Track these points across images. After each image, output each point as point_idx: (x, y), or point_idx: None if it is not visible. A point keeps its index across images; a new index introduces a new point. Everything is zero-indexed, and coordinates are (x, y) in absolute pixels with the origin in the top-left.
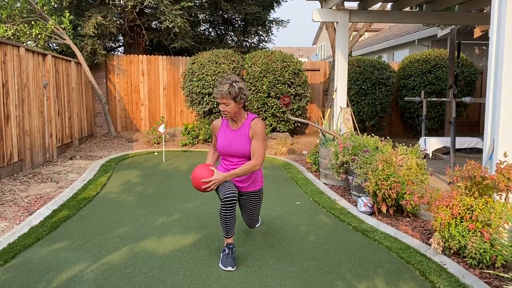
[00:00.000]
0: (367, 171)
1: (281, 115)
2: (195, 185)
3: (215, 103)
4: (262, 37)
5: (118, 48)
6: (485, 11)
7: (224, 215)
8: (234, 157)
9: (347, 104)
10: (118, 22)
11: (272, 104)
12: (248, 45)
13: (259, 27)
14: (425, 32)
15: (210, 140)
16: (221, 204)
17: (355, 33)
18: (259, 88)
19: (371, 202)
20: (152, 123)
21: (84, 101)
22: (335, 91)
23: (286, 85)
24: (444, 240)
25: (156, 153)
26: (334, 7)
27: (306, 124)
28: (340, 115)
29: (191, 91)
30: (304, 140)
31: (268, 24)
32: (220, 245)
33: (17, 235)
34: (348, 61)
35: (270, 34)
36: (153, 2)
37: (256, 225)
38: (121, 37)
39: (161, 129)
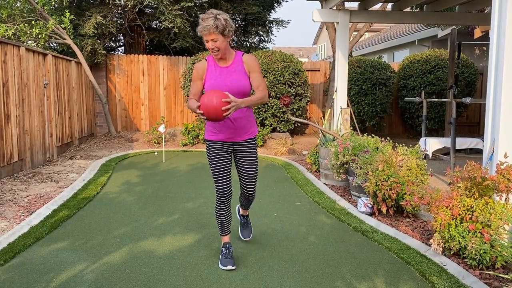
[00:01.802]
0: (367, 172)
1: (281, 115)
2: (214, 113)
3: None
4: (262, 37)
5: (119, 48)
6: (485, 11)
7: (219, 210)
8: (232, 95)
9: (347, 104)
10: (118, 22)
11: (273, 104)
12: (248, 45)
13: (259, 27)
14: (426, 32)
15: None
16: (216, 198)
17: (356, 33)
18: None
19: (371, 203)
20: (152, 123)
21: (84, 101)
22: (335, 91)
23: (287, 85)
24: (444, 240)
25: (156, 153)
26: (334, 7)
27: (306, 124)
28: (340, 116)
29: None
30: (304, 140)
31: (269, 24)
32: (220, 245)
33: (17, 234)
34: (348, 61)
35: (270, 34)
36: (153, 2)
37: (254, 196)
38: (121, 37)
39: (161, 129)
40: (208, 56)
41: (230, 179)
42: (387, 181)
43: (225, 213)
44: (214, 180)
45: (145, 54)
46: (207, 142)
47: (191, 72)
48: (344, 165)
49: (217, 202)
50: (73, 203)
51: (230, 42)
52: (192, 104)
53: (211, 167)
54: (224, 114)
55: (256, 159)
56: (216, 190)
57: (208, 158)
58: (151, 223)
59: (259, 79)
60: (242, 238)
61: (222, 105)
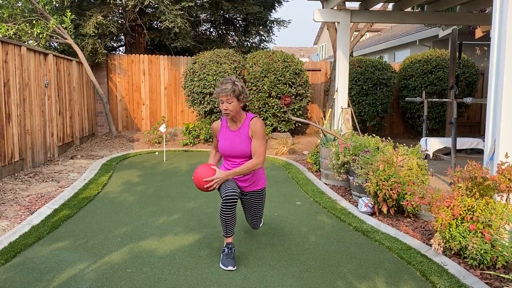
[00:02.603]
0: (368, 172)
1: (282, 115)
2: (197, 185)
3: (216, 103)
4: (263, 37)
5: (120, 48)
6: (486, 11)
7: (224, 214)
8: (236, 158)
9: (348, 104)
10: (119, 21)
11: (273, 104)
12: (249, 45)
13: (260, 27)
14: (427, 32)
15: (211, 140)
16: (222, 203)
17: (356, 33)
18: (260, 88)
19: (372, 203)
20: (153, 123)
21: (85, 101)
22: (336, 91)
23: (287, 85)
24: (445, 240)
25: (157, 153)
26: (335, 7)
27: (307, 124)
28: (341, 115)
29: (192, 91)
30: (305, 140)
31: (269, 24)
32: (221, 245)
33: (18, 234)
34: (349, 61)
35: (271, 34)
36: (153, 2)
37: (259, 226)
38: (122, 37)
39: (162, 128)
40: (223, 117)
41: (237, 187)
42: (387, 181)
43: (230, 216)
44: (220, 188)
45: (146, 53)
46: None
47: (192, 72)
48: (345, 165)
49: (222, 206)
50: (74, 202)
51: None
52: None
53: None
54: (205, 186)
55: (262, 204)
56: (223, 195)
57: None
58: (152, 222)
59: (258, 146)
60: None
61: (204, 182)
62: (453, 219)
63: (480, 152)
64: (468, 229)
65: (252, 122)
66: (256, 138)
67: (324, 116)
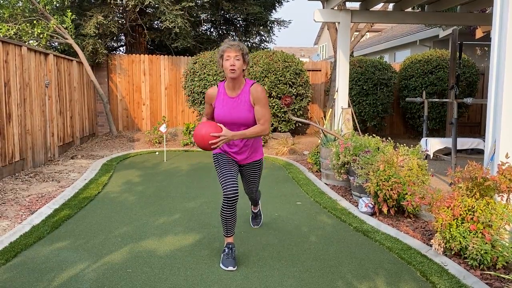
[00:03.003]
0: (368, 172)
1: (283, 115)
2: (201, 143)
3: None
4: (263, 37)
5: (120, 48)
6: (487, 11)
7: (225, 212)
8: (235, 126)
9: (349, 104)
10: (119, 21)
11: (274, 104)
12: (249, 45)
13: (260, 27)
14: (427, 32)
15: None
16: (223, 201)
17: (357, 33)
18: None
19: (372, 203)
20: (154, 123)
21: (85, 101)
22: (337, 91)
23: (288, 85)
24: (445, 241)
25: (157, 153)
26: (335, 8)
27: (307, 124)
28: (341, 116)
29: (192, 91)
30: (305, 140)
31: (270, 24)
32: (221, 245)
33: (18, 234)
34: (349, 61)
35: (271, 34)
36: (153, 2)
37: (258, 197)
38: (122, 37)
39: (163, 128)
40: (220, 83)
41: (237, 183)
42: (388, 181)
43: (231, 215)
44: (221, 184)
45: (147, 54)
46: (213, 155)
47: (192, 72)
48: (345, 165)
49: (223, 204)
50: (74, 202)
51: (245, 67)
52: None
53: (218, 171)
54: (212, 147)
55: (259, 175)
56: (223, 193)
57: (215, 163)
58: (152, 222)
59: (262, 112)
60: (251, 225)
61: (209, 138)
62: (454, 220)
63: (480, 152)
64: (469, 229)
65: (253, 88)
66: (259, 105)
67: (325, 116)
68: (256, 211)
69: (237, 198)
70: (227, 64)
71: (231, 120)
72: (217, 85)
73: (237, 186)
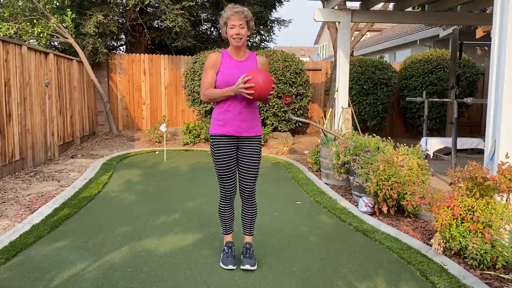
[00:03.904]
0: (368, 171)
1: (283, 114)
2: (266, 90)
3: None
4: (264, 37)
5: (120, 47)
6: (487, 11)
7: (222, 207)
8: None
9: (349, 104)
10: (119, 21)
11: (274, 104)
12: (250, 45)
13: (261, 27)
14: (427, 32)
15: None
16: (220, 194)
17: (357, 33)
18: None
19: (372, 202)
20: (154, 122)
21: (85, 100)
22: (337, 91)
23: (288, 84)
24: (445, 240)
25: (157, 152)
26: (336, 7)
27: (307, 123)
28: (341, 115)
29: (192, 90)
30: (305, 140)
31: (270, 24)
32: (221, 244)
33: (18, 233)
34: (350, 61)
35: (272, 33)
36: (154, 1)
37: (254, 191)
38: (123, 36)
39: (163, 128)
40: (222, 50)
41: (235, 176)
42: (388, 181)
43: (229, 211)
44: (218, 177)
45: (147, 53)
46: (212, 138)
47: (192, 71)
48: (345, 165)
49: (220, 199)
50: (74, 202)
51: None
52: (214, 92)
53: (215, 163)
54: (270, 92)
55: (259, 158)
56: (220, 187)
57: (213, 154)
58: (152, 222)
59: None
60: (242, 266)
61: (270, 86)
62: (453, 219)
63: (480, 152)
64: (468, 229)
65: (259, 57)
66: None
67: (325, 116)
68: (250, 242)
69: (235, 190)
70: (232, 32)
71: None
72: (220, 51)
73: (235, 178)
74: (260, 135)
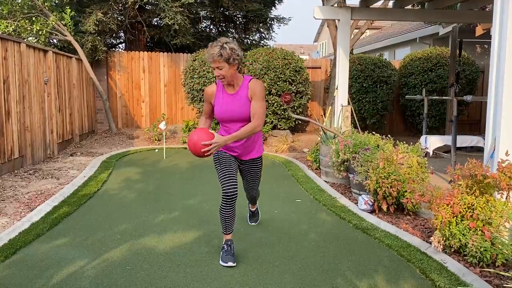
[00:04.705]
0: (368, 169)
1: (282, 112)
2: (193, 150)
3: None
4: (263, 34)
5: (119, 45)
6: (487, 9)
7: (224, 210)
8: (235, 122)
9: (348, 102)
10: (119, 18)
11: (273, 102)
12: (249, 42)
13: (260, 24)
14: (427, 30)
15: None
16: (222, 199)
17: (357, 30)
18: None
19: (372, 200)
20: (153, 120)
21: (85, 98)
22: (336, 88)
23: (287, 82)
24: (444, 238)
25: (156, 150)
26: (335, 5)
27: (307, 121)
28: (341, 113)
29: (192, 88)
30: (305, 138)
31: (270, 22)
32: (220, 242)
33: (17, 231)
34: (349, 58)
35: (271, 31)
36: None
37: (257, 196)
38: (122, 34)
39: (162, 126)
40: (218, 80)
41: (236, 180)
42: (387, 179)
43: (230, 213)
44: (220, 181)
45: (146, 51)
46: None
47: (192, 69)
48: (345, 163)
49: (222, 202)
50: (73, 199)
51: (237, 67)
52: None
53: (217, 168)
54: (205, 154)
55: (259, 172)
56: (223, 191)
57: (215, 161)
58: (151, 220)
59: (258, 107)
60: (248, 223)
61: (201, 146)
62: (453, 217)
63: (480, 150)
64: (468, 227)
65: (252, 83)
66: (256, 99)
67: (324, 114)
68: (253, 209)
69: (236, 196)
70: (215, 73)
71: (231, 116)
72: (216, 83)
73: (237, 184)
74: (259, 157)
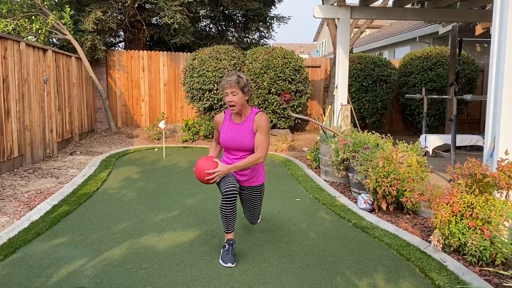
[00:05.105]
0: (368, 168)
1: (282, 111)
2: (198, 177)
3: (216, 99)
4: (263, 33)
5: (119, 44)
6: (487, 8)
7: (224, 209)
8: (238, 151)
9: (348, 101)
10: (118, 17)
11: (273, 101)
12: (249, 41)
13: (260, 23)
14: (427, 29)
15: (211, 136)
16: (222, 198)
17: (356, 29)
18: (260, 84)
19: (371, 199)
20: (153, 119)
21: (84, 97)
22: (336, 88)
23: (287, 81)
24: (444, 237)
25: (156, 149)
26: (335, 3)
27: (306, 121)
28: (340, 112)
29: (191, 87)
30: (304, 137)
31: (269, 21)
32: (220, 241)
33: (17, 230)
34: (349, 58)
35: (271, 30)
36: None
37: (257, 221)
38: (121, 33)
39: (162, 125)
40: (227, 109)
41: (236, 180)
42: (387, 178)
43: (231, 211)
44: (220, 182)
45: (145, 50)
46: None
47: (191, 68)
48: (345, 162)
49: (222, 201)
50: (73, 198)
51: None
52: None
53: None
54: (209, 182)
55: (260, 200)
56: (223, 190)
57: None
58: (151, 219)
59: (262, 140)
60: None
61: (205, 174)
62: (453, 216)
63: (479, 149)
64: (468, 225)
65: (257, 116)
66: (260, 132)
67: (324, 113)
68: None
69: (236, 194)
70: (226, 99)
71: (235, 145)
72: (224, 111)
73: (236, 183)
74: (261, 185)
